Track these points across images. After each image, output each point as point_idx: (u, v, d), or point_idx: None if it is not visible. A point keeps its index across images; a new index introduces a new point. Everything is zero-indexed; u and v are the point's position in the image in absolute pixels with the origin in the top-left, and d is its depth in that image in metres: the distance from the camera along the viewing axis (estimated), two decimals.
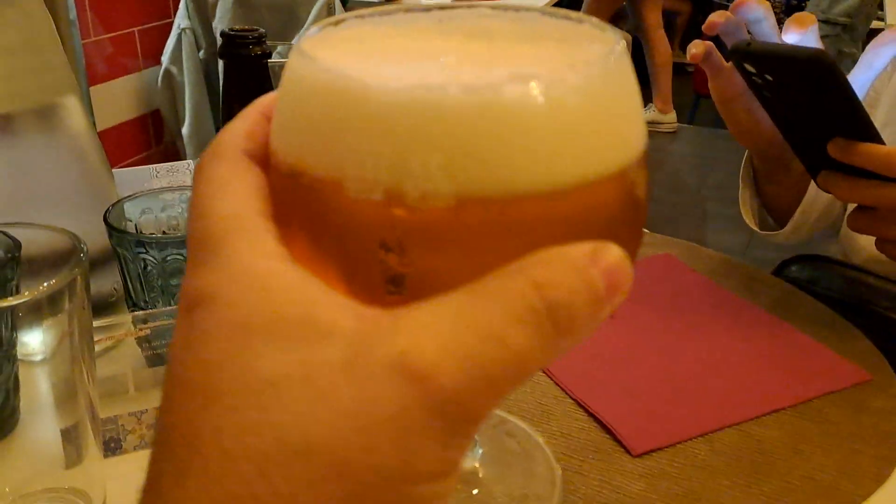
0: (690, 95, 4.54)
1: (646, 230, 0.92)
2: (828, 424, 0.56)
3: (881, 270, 0.78)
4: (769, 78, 0.64)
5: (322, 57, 0.25)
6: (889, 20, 2.93)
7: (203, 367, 0.23)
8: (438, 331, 0.22)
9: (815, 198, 0.84)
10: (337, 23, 0.29)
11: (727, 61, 0.73)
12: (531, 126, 0.23)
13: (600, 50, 0.26)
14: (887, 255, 0.67)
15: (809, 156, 0.68)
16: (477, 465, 0.47)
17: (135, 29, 2.52)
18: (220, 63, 0.63)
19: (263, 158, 0.28)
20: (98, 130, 2.37)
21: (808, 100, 0.63)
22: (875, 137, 0.61)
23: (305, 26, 2.13)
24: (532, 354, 0.22)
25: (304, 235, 0.26)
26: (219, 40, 0.67)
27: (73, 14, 2.22)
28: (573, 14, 0.29)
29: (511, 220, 0.24)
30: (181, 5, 2.38)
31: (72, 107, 0.64)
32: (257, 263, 0.24)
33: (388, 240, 0.24)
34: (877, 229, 0.66)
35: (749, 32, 0.75)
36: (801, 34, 0.70)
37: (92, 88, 2.36)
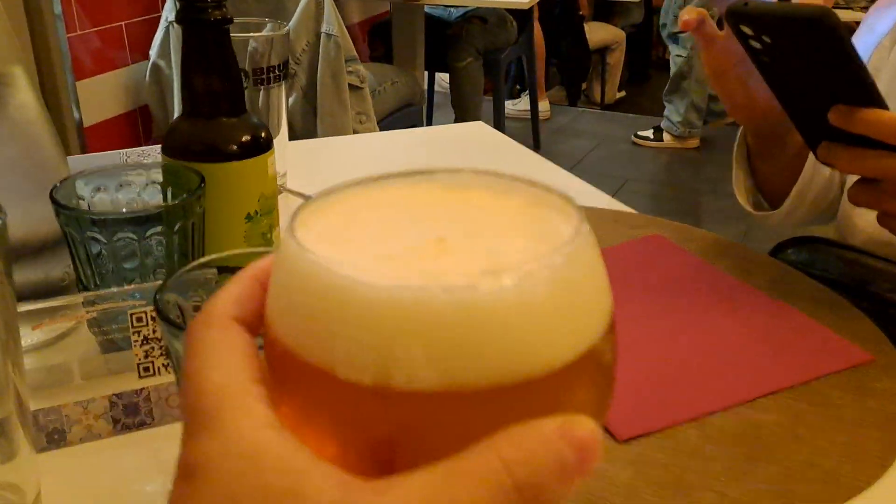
0: None
1: (634, 211, 0.89)
2: (829, 407, 0.52)
3: (880, 252, 0.74)
4: (767, 40, 0.60)
5: (312, 247, 0.27)
6: None
7: None
8: None
9: (812, 177, 0.81)
10: (329, 193, 0.31)
11: (721, 28, 0.70)
12: (506, 320, 0.25)
13: (567, 233, 0.27)
14: (890, 229, 0.63)
15: (809, 126, 0.65)
16: None
17: (122, 23, 2.49)
18: (179, 29, 0.60)
19: (253, 322, 0.30)
20: (85, 126, 2.35)
21: (809, 63, 0.59)
22: (880, 103, 0.57)
23: (293, 20, 2.10)
24: None
25: (296, 407, 0.28)
26: None
27: (58, 8, 2.18)
28: (539, 184, 0.31)
29: (489, 405, 0.25)
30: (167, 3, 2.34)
31: (16, 78, 0.60)
32: (248, 434, 0.25)
33: (378, 420, 0.26)
34: (880, 202, 0.62)
35: None
36: None
37: (78, 83, 2.32)
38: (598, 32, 4.81)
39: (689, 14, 0.72)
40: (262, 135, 0.66)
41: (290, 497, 0.24)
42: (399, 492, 0.24)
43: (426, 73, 3.38)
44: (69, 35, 2.27)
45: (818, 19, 0.54)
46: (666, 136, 3.77)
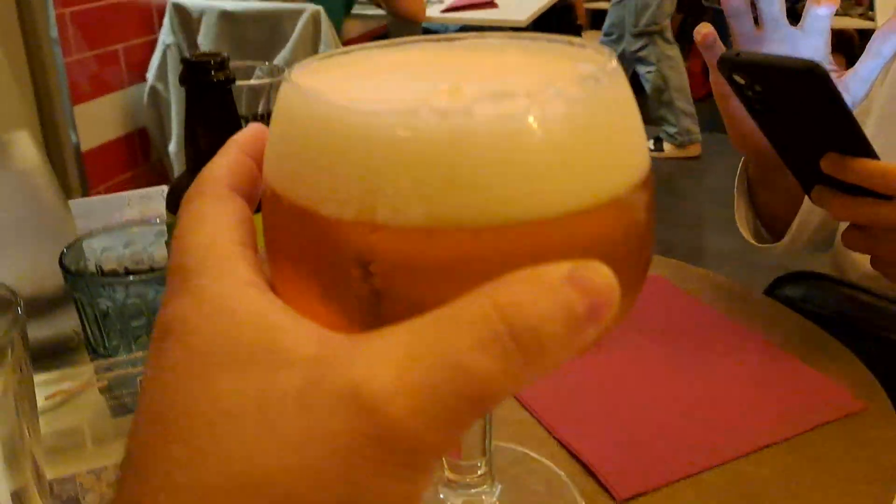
0: None
1: None
2: (822, 460, 0.53)
3: (877, 287, 0.75)
4: (758, 89, 0.61)
5: (305, 83, 0.25)
6: (879, 20, 2.92)
7: (166, 396, 0.23)
8: (395, 358, 0.21)
9: (812, 208, 0.82)
10: (341, 54, 0.29)
11: (718, 67, 0.71)
12: (505, 152, 0.22)
13: (587, 69, 0.24)
14: (883, 273, 0.64)
15: (802, 170, 0.66)
16: (496, 501, 0.45)
17: (119, 46, 2.50)
18: (183, 90, 0.61)
19: (248, 191, 0.28)
20: (83, 150, 2.36)
21: (800, 112, 0.60)
22: (869, 152, 0.58)
23: (291, 41, 2.11)
24: (495, 382, 0.21)
25: (286, 260, 0.26)
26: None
27: (54, 32, 2.19)
28: (576, 40, 0.28)
29: (485, 249, 0.23)
30: (165, 21, 2.36)
31: (22, 142, 0.61)
32: (226, 290, 0.24)
33: (361, 260, 0.23)
34: (871, 248, 0.63)
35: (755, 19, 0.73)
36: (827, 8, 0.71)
37: (76, 107, 2.33)
38: (595, 41, 4.83)
39: (706, 27, 0.72)
40: None
41: (265, 353, 0.23)
42: (379, 343, 0.22)
43: None
44: (66, 59, 2.28)
45: (808, 71, 0.55)
46: (666, 146, 3.78)
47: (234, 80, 0.66)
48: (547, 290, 0.21)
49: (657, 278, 0.79)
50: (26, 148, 0.62)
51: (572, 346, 0.22)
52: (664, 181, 3.54)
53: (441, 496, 0.44)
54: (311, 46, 2.12)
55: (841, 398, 0.60)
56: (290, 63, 2.05)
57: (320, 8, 2.11)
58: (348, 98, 0.23)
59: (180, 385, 0.23)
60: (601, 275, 0.22)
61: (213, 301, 0.24)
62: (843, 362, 0.65)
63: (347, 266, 0.24)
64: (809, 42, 0.73)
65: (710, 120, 4.09)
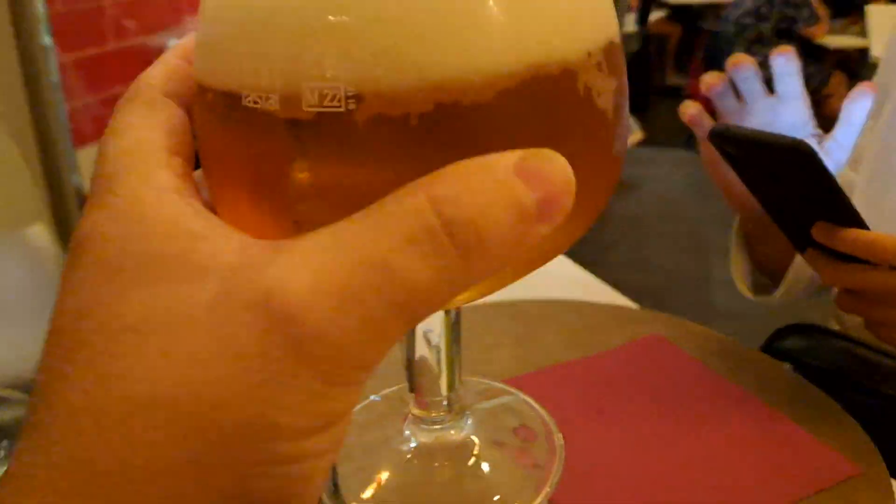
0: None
1: (634, 304, 0.90)
2: None
3: (877, 342, 0.75)
4: (749, 161, 0.63)
5: None
6: (874, 52, 2.93)
7: (73, 313, 0.21)
8: (314, 261, 0.19)
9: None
10: None
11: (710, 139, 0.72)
12: (440, 6, 0.20)
13: None
14: (877, 335, 0.64)
15: (795, 234, 0.66)
16: (466, 437, 0.42)
17: (120, 88, 2.52)
18: None
19: (186, 99, 0.26)
20: (86, 193, 2.39)
21: (790, 184, 0.61)
22: (858, 221, 0.59)
23: None
24: (430, 284, 0.19)
25: (214, 162, 0.24)
26: None
27: (55, 77, 2.22)
28: None
29: (422, 121, 0.20)
30: None
31: (38, 235, 0.63)
32: (142, 198, 0.22)
33: (288, 150, 0.21)
34: (864, 311, 0.63)
35: (737, 94, 0.75)
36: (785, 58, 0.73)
37: (79, 151, 2.35)
38: None
39: (691, 108, 0.75)
40: None
41: (179, 262, 0.21)
42: (299, 247, 0.20)
43: None
44: (67, 102, 2.30)
45: (793, 149, 0.55)
46: None
47: None
48: (491, 182, 0.19)
49: (661, 340, 0.78)
50: (45, 245, 0.63)
51: (518, 244, 0.20)
52: (664, 204, 3.54)
53: (406, 433, 0.40)
54: None
55: (836, 463, 0.59)
56: None
57: None
58: None
59: (87, 302, 0.21)
60: (555, 164, 0.20)
61: (127, 210, 0.22)
62: (839, 424, 0.64)
63: (276, 158, 0.22)
64: (789, 106, 0.75)
65: None
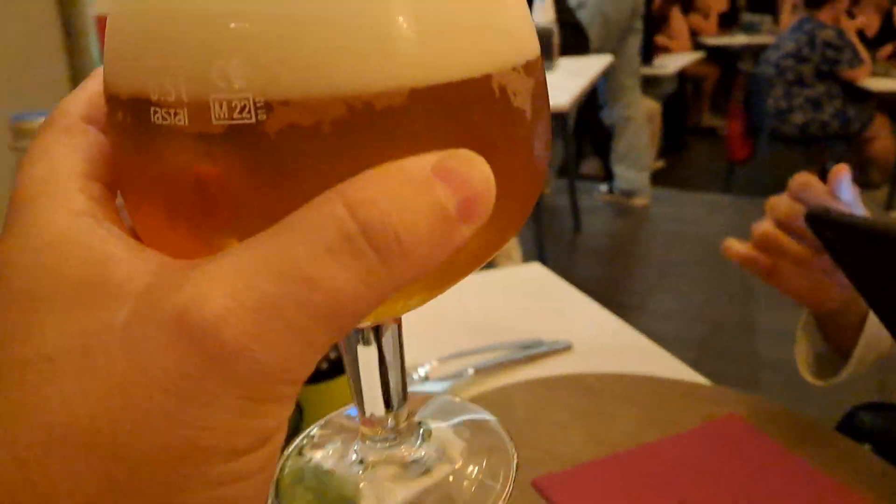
0: (723, 162, 4.50)
1: (707, 381, 0.88)
2: None
3: None
4: (849, 247, 0.62)
5: None
6: None
7: None
8: (229, 276, 0.18)
9: (878, 336, 0.80)
10: None
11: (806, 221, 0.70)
12: (350, 12, 0.20)
13: None
14: None
15: (891, 319, 0.65)
16: (417, 453, 0.41)
17: None
18: None
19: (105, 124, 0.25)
20: None
21: (889, 269, 0.60)
22: None
23: None
24: (353, 291, 0.18)
25: (129, 182, 0.24)
26: None
27: None
28: None
29: (336, 129, 0.20)
30: None
31: None
32: (55, 224, 0.21)
33: (199, 166, 0.21)
34: None
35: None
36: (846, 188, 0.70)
37: None
38: None
39: (736, 248, 0.75)
40: None
41: (94, 288, 0.20)
42: (219, 261, 0.19)
43: None
44: None
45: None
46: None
47: None
48: (409, 184, 0.19)
49: (738, 421, 0.77)
50: None
51: (441, 247, 0.19)
52: (704, 249, 3.51)
53: (354, 453, 0.39)
54: None
55: None
56: None
57: None
58: None
59: (4, 332, 0.20)
60: (474, 165, 0.19)
61: (40, 235, 0.21)
62: None
63: (187, 175, 0.21)
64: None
65: (754, 184, 4.06)
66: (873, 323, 0.79)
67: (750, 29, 6.07)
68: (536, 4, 2.85)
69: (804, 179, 0.72)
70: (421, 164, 0.19)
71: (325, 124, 0.20)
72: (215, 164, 0.21)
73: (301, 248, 0.19)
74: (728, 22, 6.36)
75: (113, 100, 0.23)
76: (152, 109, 0.21)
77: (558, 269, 3.37)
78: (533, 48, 0.24)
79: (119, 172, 0.24)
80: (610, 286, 3.18)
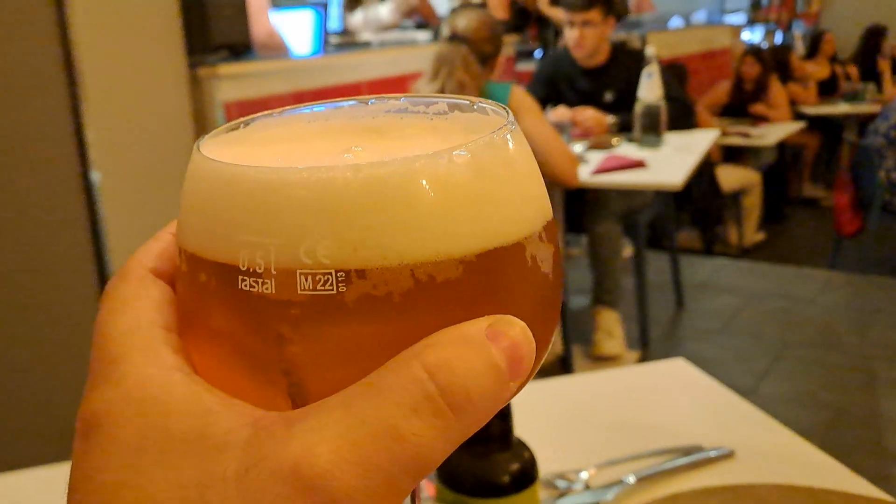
0: (830, 236, 4.34)
1: (876, 490, 0.82)
2: None
3: None
4: None
5: (217, 154, 0.26)
6: None
7: (101, 496, 0.22)
8: (332, 433, 0.21)
9: None
10: (237, 126, 0.29)
11: None
12: (413, 197, 0.23)
13: (487, 131, 0.26)
14: None
15: None
16: None
17: None
18: None
19: (172, 275, 0.28)
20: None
21: None
22: None
23: None
24: (433, 444, 0.22)
25: (206, 336, 0.26)
26: None
27: None
28: (475, 99, 0.30)
29: (403, 297, 0.23)
30: None
31: None
32: (152, 378, 0.23)
33: (282, 329, 0.23)
34: None
35: None
36: None
37: None
38: (730, 176, 4.74)
39: None
40: (531, 464, 0.67)
41: (198, 440, 0.22)
42: (314, 419, 0.21)
43: None
44: None
45: None
46: None
47: None
48: (471, 348, 0.22)
49: None
50: None
51: (498, 400, 0.23)
52: (818, 330, 3.35)
53: None
54: None
55: None
56: None
57: None
58: (265, 162, 0.24)
59: (114, 485, 0.22)
60: (517, 329, 0.23)
61: (139, 390, 0.23)
62: None
63: (269, 334, 0.24)
64: None
65: (863, 261, 3.90)
66: None
67: (852, 98, 5.91)
68: (643, 81, 2.86)
69: None
70: (477, 329, 0.23)
71: (394, 294, 0.23)
72: (297, 329, 0.23)
73: (391, 408, 0.21)
74: (828, 90, 6.22)
75: (195, 260, 0.25)
76: (240, 277, 0.24)
77: (662, 349, 3.28)
78: (549, 210, 0.28)
79: (192, 325, 0.26)
80: (719, 367, 3.07)
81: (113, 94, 1.89)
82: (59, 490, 0.24)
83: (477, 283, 0.24)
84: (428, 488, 0.69)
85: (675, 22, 6.47)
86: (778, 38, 7.65)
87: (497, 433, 0.66)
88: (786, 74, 5.79)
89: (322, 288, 0.23)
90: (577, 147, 2.91)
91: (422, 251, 0.23)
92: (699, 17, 7.20)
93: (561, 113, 3.10)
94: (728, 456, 0.86)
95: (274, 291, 0.23)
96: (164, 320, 0.26)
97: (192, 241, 0.26)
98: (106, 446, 0.23)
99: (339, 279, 0.23)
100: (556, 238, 0.28)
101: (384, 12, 4.37)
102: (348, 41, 3.78)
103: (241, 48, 2.30)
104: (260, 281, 0.23)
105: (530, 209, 0.27)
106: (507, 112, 0.28)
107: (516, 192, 0.26)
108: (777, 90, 5.40)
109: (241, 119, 0.30)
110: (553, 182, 2.54)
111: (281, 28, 2.81)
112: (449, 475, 0.66)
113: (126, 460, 0.22)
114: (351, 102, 0.31)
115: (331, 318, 0.23)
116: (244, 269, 0.24)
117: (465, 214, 0.24)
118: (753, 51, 5.52)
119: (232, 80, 2.21)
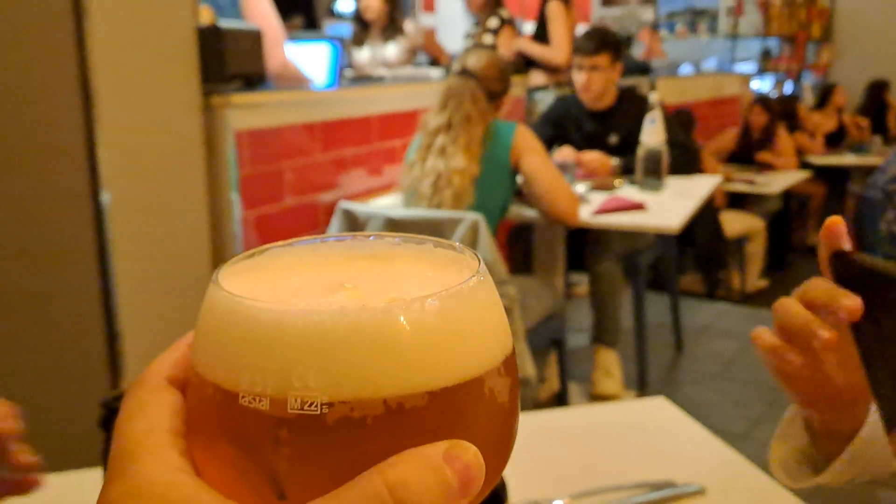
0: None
1: None
2: None
3: None
4: (867, 297, 0.56)
5: (228, 285, 0.30)
6: None
7: None
8: None
9: (869, 444, 0.70)
10: (252, 255, 0.34)
11: (830, 263, 0.61)
12: (390, 340, 0.28)
13: (459, 279, 0.30)
14: None
15: (891, 406, 0.56)
16: None
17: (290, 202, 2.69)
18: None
19: (183, 383, 0.32)
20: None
21: None
22: None
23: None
24: None
25: (209, 443, 0.30)
26: None
27: (238, 229, 2.41)
28: (457, 245, 0.34)
29: (375, 420, 0.27)
30: (333, 222, 2.55)
31: None
32: (159, 477, 0.28)
33: (271, 444, 0.28)
34: None
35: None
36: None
37: None
38: (734, 222, 4.76)
39: (765, 336, 0.68)
40: (500, 485, 0.68)
41: None
42: None
43: None
44: (243, 211, 2.43)
45: None
46: None
47: None
48: (427, 468, 0.26)
49: None
50: None
51: None
52: None
53: None
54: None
55: None
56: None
57: (479, 217, 2.23)
58: (264, 298, 0.29)
59: None
60: (470, 453, 0.27)
61: (148, 486, 0.27)
62: None
63: (263, 446, 0.28)
64: None
65: None
66: (870, 434, 0.71)
67: (859, 150, 5.96)
68: (646, 126, 2.91)
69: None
70: (435, 452, 0.27)
71: (368, 417, 0.27)
72: (286, 441, 0.28)
73: None
74: (835, 141, 6.27)
75: (204, 378, 0.30)
76: (241, 394, 0.28)
77: (660, 391, 3.26)
78: (509, 344, 0.32)
79: (197, 432, 0.31)
80: (715, 411, 3.08)
81: (127, 117, 1.95)
82: (59, 495, 0.29)
83: (440, 412, 0.28)
84: None
85: (686, 69, 6.56)
86: (788, 87, 7.73)
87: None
88: (793, 124, 5.85)
89: (308, 408, 0.27)
90: (580, 187, 2.95)
91: (395, 385, 0.28)
92: (709, 64, 7.30)
93: (566, 153, 3.15)
94: (699, 493, 0.88)
95: (268, 408, 0.28)
96: (174, 425, 0.30)
97: (203, 360, 0.31)
98: None
99: (323, 403, 0.27)
100: (514, 370, 0.32)
101: (391, 50, 4.45)
102: (362, 75, 3.86)
103: (255, 78, 2.36)
104: (257, 398, 0.28)
105: (492, 347, 0.31)
106: (479, 260, 0.33)
107: (480, 334, 0.31)
108: (784, 139, 5.45)
109: (256, 249, 0.35)
110: (553, 220, 2.58)
111: (297, 60, 2.88)
112: None
113: None
114: (349, 237, 0.37)
115: (314, 434, 0.27)
116: (244, 388, 0.28)
117: (433, 354, 0.29)
118: (761, 100, 5.58)
119: (244, 109, 2.26)
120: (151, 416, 0.30)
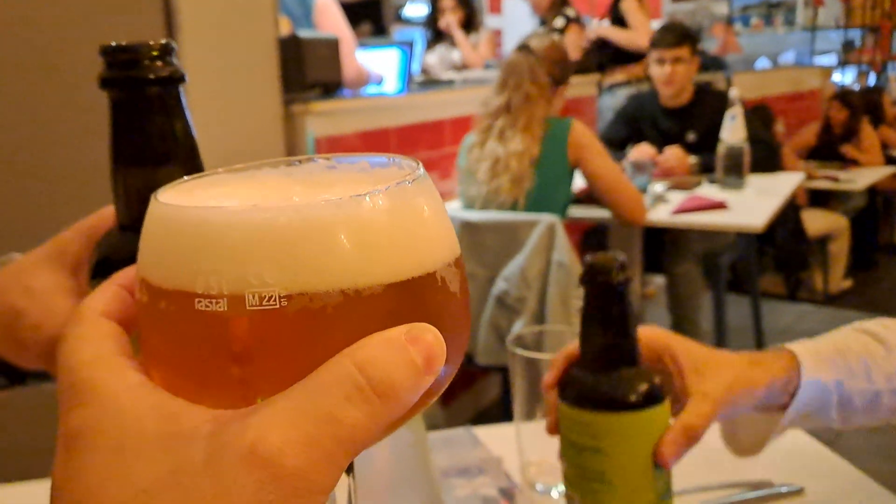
0: None
1: None
2: None
3: None
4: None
5: (176, 199, 0.31)
6: None
7: (86, 489, 0.26)
8: (280, 421, 0.26)
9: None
10: (185, 181, 0.34)
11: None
12: (345, 234, 0.28)
13: (402, 177, 0.31)
14: None
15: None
16: None
17: None
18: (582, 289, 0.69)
19: (121, 317, 0.33)
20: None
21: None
22: None
23: (528, 248, 2.22)
24: (365, 425, 0.27)
25: (167, 357, 0.30)
26: None
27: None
28: (392, 156, 0.35)
29: (335, 310, 0.28)
30: None
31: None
32: (122, 393, 0.28)
33: (234, 342, 0.28)
34: None
35: None
36: None
37: None
38: (816, 220, 4.61)
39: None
40: (658, 384, 0.69)
41: (169, 437, 0.27)
42: (265, 411, 0.26)
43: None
44: None
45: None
46: None
47: (628, 282, 0.69)
48: (393, 348, 0.27)
49: None
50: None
51: (416, 390, 0.28)
52: None
53: None
54: (546, 254, 2.21)
55: None
56: (524, 270, 2.14)
57: (556, 219, 2.21)
58: (207, 204, 0.29)
59: (98, 481, 0.26)
60: (431, 334, 0.28)
61: (113, 403, 0.28)
62: None
63: (223, 348, 0.28)
64: None
65: None
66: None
67: None
68: (727, 123, 2.85)
69: None
70: (398, 334, 0.28)
71: (328, 307, 0.28)
72: (247, 337, 0.28)
73: (329, 399, 0.26)
74: None
75: (155, 290, 0.30)
76: (196, 300, 0.28)
77: None
78: (456, 247, 0.33)
79: (155, 346, 0.31)
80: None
81: (211, 125, 2.01)
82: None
83: (398, 300, 0.29)
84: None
85: (762, 63, 6.38)
86: (871, 80, 7.44)
87: (624, 351, 0.69)
88: (878, 117, 5.63)
89: (267, 303, 0.28)
90: (658, 187, 2.90)
91: (352, 276, 0.28)
92: (787, 57, 7.08)
93: (643, 151, 3.10)
94: (798, 493, 0.87)
95: (226, 309, 0.28)
96: (118, 349, 0.31)
97: (153, 274, 0.31)
98: (88, 452, 0.27)
99: (282, 296, 0.28)
100: (462, 268, 0.33)
101: (458, 54, 4.50)
102: (431, 80, 3.88)
103: (332, 86, 2.41)
104: (214, 301, 0.28)
105: (444, 240, 0.32)
106: (418, 163, 0.34)
107: (432, 226, 0.32)
108: (868, 133, 5.25)
109: (189, 176, 0.35)
110: (620, 221, 2.53)
111: (369, 66, 2.92)
112: (579, 395, 0.69)
113: (108, 459, 0.26)
114: (283, 163, 0.37)
115: (275, 329, 0.28)
116: (200, 292, 0.28)
117: (387, 246, 0.29)
118: (840, 95, 5.39)
119: (322, 117, 2.31)
120: (95, 344, 0.30)
